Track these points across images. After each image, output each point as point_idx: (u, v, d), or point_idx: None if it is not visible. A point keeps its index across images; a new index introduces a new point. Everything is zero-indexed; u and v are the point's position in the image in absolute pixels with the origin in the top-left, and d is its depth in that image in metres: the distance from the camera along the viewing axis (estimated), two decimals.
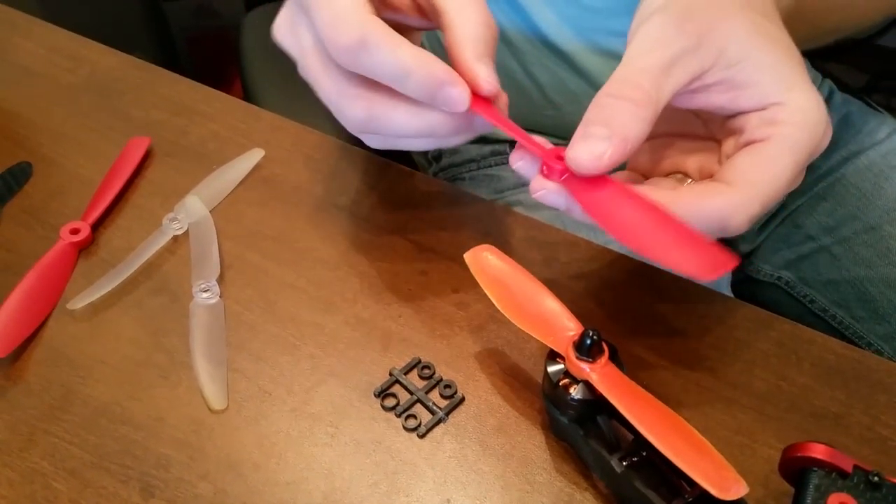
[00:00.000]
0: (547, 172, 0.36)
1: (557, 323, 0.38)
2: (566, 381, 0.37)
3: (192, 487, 0.38)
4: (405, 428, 0.40)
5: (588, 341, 0.35)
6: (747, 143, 0.36)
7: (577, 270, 0.47)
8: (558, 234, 0.49)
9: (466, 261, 0.41)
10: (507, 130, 0.37)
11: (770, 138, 0.35)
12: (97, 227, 0.50)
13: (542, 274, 0.41)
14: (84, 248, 0.49)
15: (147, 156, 0.54)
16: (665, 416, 0.34)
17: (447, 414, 0.41)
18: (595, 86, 0.62)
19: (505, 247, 0.41)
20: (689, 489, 0.34)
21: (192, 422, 0.41)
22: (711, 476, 0.31)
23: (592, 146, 0.34)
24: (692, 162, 0.40)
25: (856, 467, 0.32)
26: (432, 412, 0.41)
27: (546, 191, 0.36)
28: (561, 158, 0.36)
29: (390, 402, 0.41)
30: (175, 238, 0.50)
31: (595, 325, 0.36)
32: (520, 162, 0.38)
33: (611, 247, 0.49)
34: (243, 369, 0.43)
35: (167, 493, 0.38)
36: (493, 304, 0.39)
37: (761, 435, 0.40)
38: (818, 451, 0.32)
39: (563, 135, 0.66)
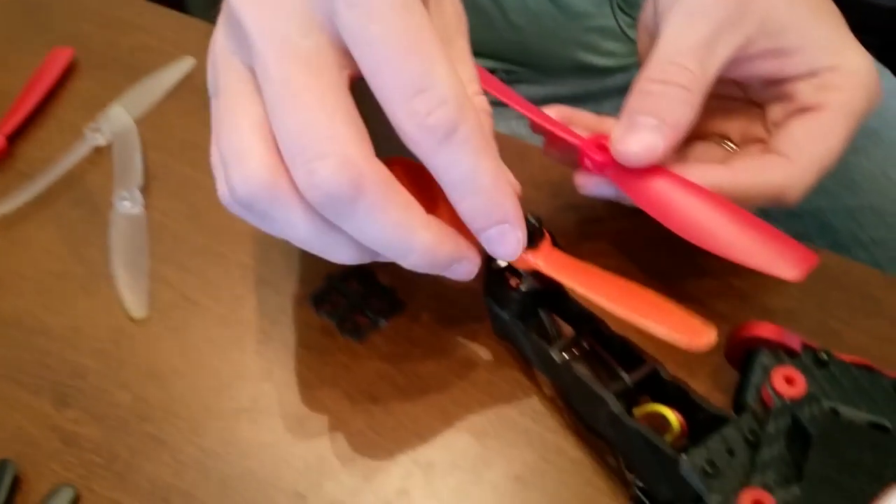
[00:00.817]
0: (591, 166, 0.34)
1: None
2: (509, 274, 0.35)
3: (110, 396, 0.36)
4: (341, 333, 0.38)
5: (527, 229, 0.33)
6: (799, 111, 0.35)
7: (528, 175, 0.45)
8: (514, 144, 0.47)
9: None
10: (537, 118, 0.36)
11: (825, 106, 0.34)
12: (14, 138, 0.47)
13: None
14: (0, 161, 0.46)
15: (71, 68, 0.51)
16: (620, 283, 0.33)
17: (386, 319, 0.39)
18: (557, 4, 0.59)
19: None
20: (629, 375, 0.32)
21: (112, 331, 0.38)
22: (677, 327, 0.30)
23: (642, 138, 0.32)
24: (733, 126, 0.39)
25: (804, 346, 0.30)
26: (370, 318, 0.39)
27: (593, 185, 0.35)
28: (603, 148, 0.34)
29: (326, 308, 0.39)
30: (97, 149, 0.47)
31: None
32: (554, 154, 0.37)
33: None
34: (168, 279, 0.40)
35: (83, 402, 0.36)
36: None
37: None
38: (766, 330, 0.31)
39: (523, 60, 0.63)
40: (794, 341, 0.30)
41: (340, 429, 0.35)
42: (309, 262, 0.41)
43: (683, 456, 0.28)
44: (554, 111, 0.37)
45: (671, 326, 0.30)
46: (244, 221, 0.42)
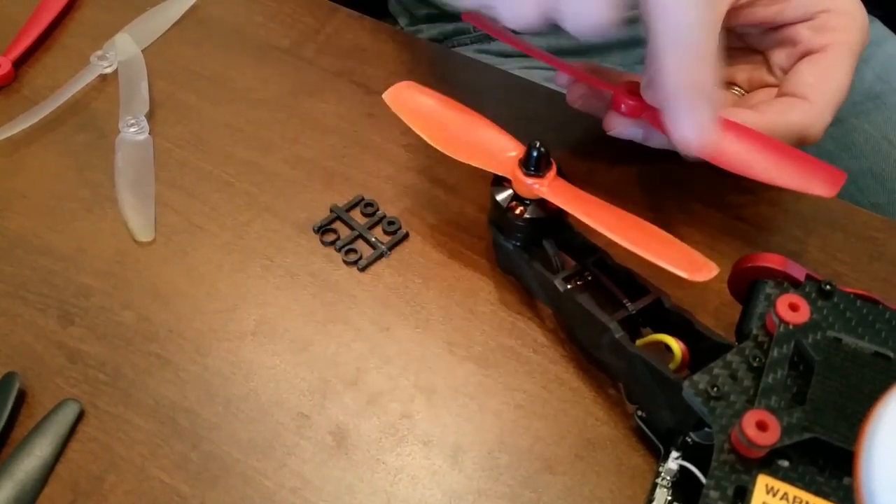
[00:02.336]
0: (626, 111, 0.36)
1: (497, 147, 0.36)
2: (514, 203, 0.35)
3: (115, 315, 0.36)
4: (345, 262, 0.38)
5: (535, 153, 0.33)
6: (804, 54, 0.37)
7: (533, 114, 0.45)
8: (520, 83, 0.47)
9: (386, 101, 0.37)
10: (568, 71, 0.38)
11: (828, 47, 0.36)
12: (20, 65, 0.47)
13: (503, 117, 0.38)
14: (5, 86, 0.46)
15: None
16: (623, 216, 0.33)
17: (390, 249, 0.39)
18: None
19: (461, 94, 0.37)
20: (631, 304, 0.33)
21: (117, 253, 0.38)
22: (679, 261, 0.30)
23: (697, 120, 0.32)
24: (740, 73, 0.41)
25: (808, 276, 0.30)
26: (374, 247, 0.39)
27: (623, 127, 0.37)
28: (635, 93, 0.35)
29: (330, 237, 0.39)
30: (104, 77, 0.46)
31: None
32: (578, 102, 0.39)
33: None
34: (173, 204, 0.40)
35: (87, 320, 0.36)
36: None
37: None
38: (770, 260, 0.31)
39: None
40: (799, 272, 0.30)
41: (344, 354, 0.35)
42: (313, 192, 0.41)
43: (687, 379, 0.28)
44: (580, 65, 0.39)
45: (673, 257, 0.30)
46: (249, 150, 0.42)
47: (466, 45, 0.67)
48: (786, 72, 0.38)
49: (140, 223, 0.39)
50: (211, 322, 0.36)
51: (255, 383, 0.34)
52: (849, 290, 0.30)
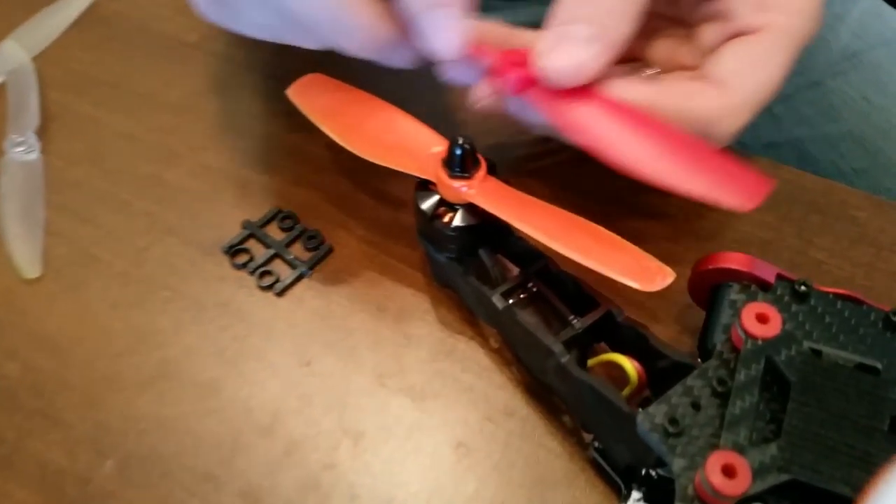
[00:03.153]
0: (507, 85, 0.29)
1: (418, 144, 0.31)
2: (442, 210, 0.30)
3: None
4: (260, 287, 0.34)
5: (459, 151, 0.28)
6: (735, 34, 0.30)
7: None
8: None
9: (291, 97, 0.33)
10: None
11: (763, 29, 0.29)
12: None
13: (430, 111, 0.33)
14: None
15: None
16: (565, 219, 0.28)
17: (311, 268, 0.34)
18: None
19: (387, 84, 0.33)
20: (579, 320, 0.28)
21: None
22: (630, 269, 0.26)
23: (573, 51, 0.27)
24: (659, 49, 0.34)
25: (779, 277, 0.26)
26: (293, 266, 0.34)
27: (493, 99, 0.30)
28: (520, 64, 0.28)
29: (242, 258, 0.35)
30: None
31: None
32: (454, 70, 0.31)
33: None
34: (63, 232, 0.36)
35: None
36: None
37: (676, 267, 0.34)
38: (734, 260, 0.26)
39: None
40: (768, 272, 0.26)
41: (258, 396, 0.31)
42: (223, 207, 0.36)
43: (640, 412, 0.24)
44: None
45: (622, 270, 0.26)
46: (151, 163, 0.38)
47: None
48: (708, 54, 0.32)
49: (26, 257, 0.35)
50: (104, 370, 0.31)
51: (155, 440, 0.30)
52: (827, 289, 0.26)
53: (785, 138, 0.62)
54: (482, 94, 0.30)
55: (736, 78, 0.29)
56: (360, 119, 0.32)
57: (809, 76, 0.61)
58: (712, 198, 0.27)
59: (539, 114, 0.29)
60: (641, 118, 0.28)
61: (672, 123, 0.28)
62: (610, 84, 0.29)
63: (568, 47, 0.27)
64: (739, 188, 0.27)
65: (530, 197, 0.29)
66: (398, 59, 0.29)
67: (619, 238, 0.28)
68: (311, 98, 0.32)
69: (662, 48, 0.34)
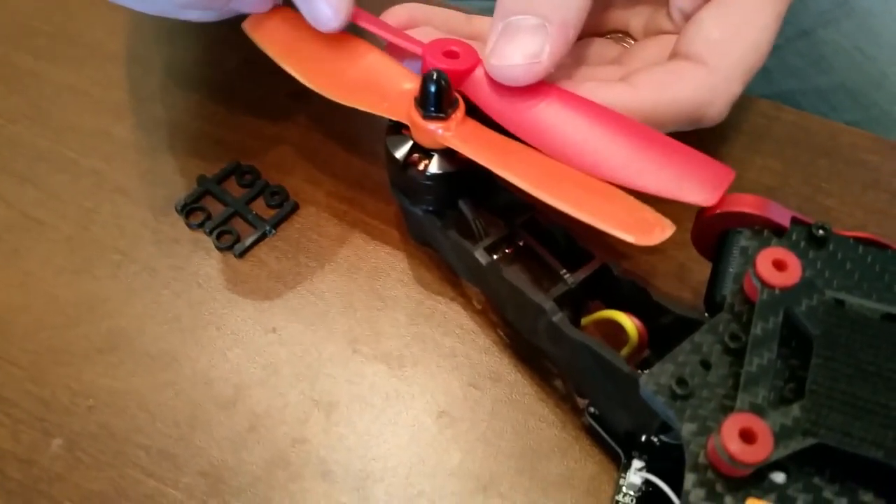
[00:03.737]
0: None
1: (389, 82, 0.28)
2: (417, 156, 0.27)
3: None
4: (218, 247, 0.31)
5: (433, 88, 0.25)
6: None
7: None
8: None
9: (247, 30, 0.29)
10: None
11: None
12: None
13: None
14: None
15: None
16: (553, 166, 0.25)
17: (275, 226, 0.31)
18: None
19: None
20: (572, 274, 0.25)
21: None
22: (625, 221, 0.23)
23: (523, 45, 0.24)
24: (635, 17, 0.31)
25: (795, 220, 0.23)
26: (255, 225, 0.31)
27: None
28: (453, 55, 0.26)
29: (198, 217, 0.31)
30: None
31: None
32: None
33: None
34: (3, 194, 0.32)
35: None
36: None
37: (676, 219, 0.31)
38: (747, 203, 0.23)
39: None
40: (783, 216, 0.23)
41: (218, 368, 0.28)
42: (176, 162, 0.33)
43: (644, 373, 0.21)
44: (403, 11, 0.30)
45: (616, 222, 0.23)
46: (98, 117, 0.34)
47: None
48: (687, 18, 0.29)
49: None
50: (49, 342, 0.28)
51: (106, 417, 0.27)
52: (847, 233, 0.23)
53: (774, 92, 0.59)
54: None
55: (717, 48, 0.26)
56: (323, 54, 0.29)
57: (798, 25, 0.58)
58: (673, 195, 0.24)
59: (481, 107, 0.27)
60: (595, 110, 0.25)
61: (656, 118, 0.26)
62: (579, 87, 0.26)
63: (515, 42, 0.25)
64: (703, 182, 0.24)
65: (514, 141, 0.26)
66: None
67: (612, 187, 0.25)
68: (270, 32, 0.29)
69: (639, 17, 0.31)
